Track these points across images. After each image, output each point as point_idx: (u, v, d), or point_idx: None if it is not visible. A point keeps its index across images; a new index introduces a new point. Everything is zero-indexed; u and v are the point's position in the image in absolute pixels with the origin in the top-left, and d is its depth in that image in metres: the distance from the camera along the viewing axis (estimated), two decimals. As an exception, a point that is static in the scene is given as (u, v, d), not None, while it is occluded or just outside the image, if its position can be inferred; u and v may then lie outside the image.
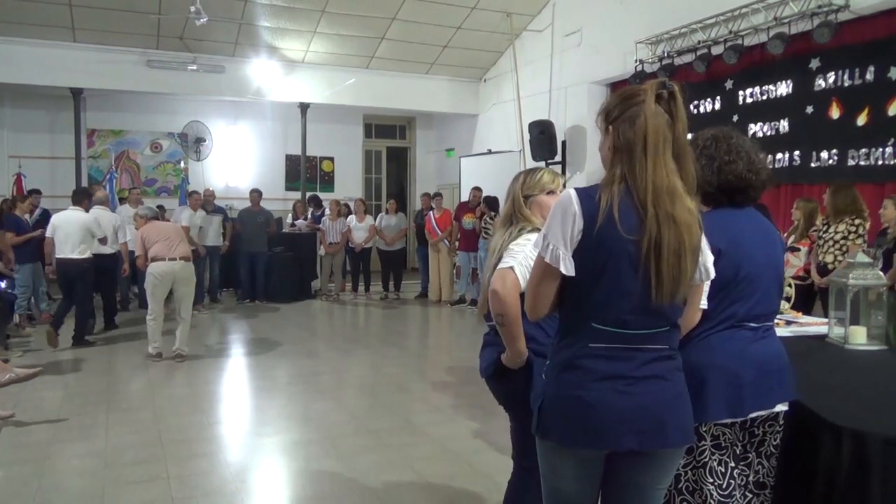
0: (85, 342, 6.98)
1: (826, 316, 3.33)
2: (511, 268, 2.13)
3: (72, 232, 6.79)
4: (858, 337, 2.98)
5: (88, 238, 6.92)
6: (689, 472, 2.03)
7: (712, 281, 1.90)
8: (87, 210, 7.14)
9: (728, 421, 1.98)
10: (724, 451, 2.03)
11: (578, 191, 1.69)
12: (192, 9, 8.82)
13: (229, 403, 5.40)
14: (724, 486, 2.02)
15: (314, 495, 3.59)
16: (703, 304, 1.92)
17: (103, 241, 7.39)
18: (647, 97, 1.67)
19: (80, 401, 5.18)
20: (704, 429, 2.00)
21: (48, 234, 6.90)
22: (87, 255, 6.86)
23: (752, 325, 2.02)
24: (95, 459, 3.97)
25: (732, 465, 2.04)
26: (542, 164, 10.18)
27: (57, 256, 6.84)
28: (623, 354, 1.68)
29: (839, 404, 2.13)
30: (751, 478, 2.09)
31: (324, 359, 6.79)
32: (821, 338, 3.15)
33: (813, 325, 3.48)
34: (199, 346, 7.08)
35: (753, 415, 2.00)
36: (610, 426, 1.67)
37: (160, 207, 10.33)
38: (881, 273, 3.23)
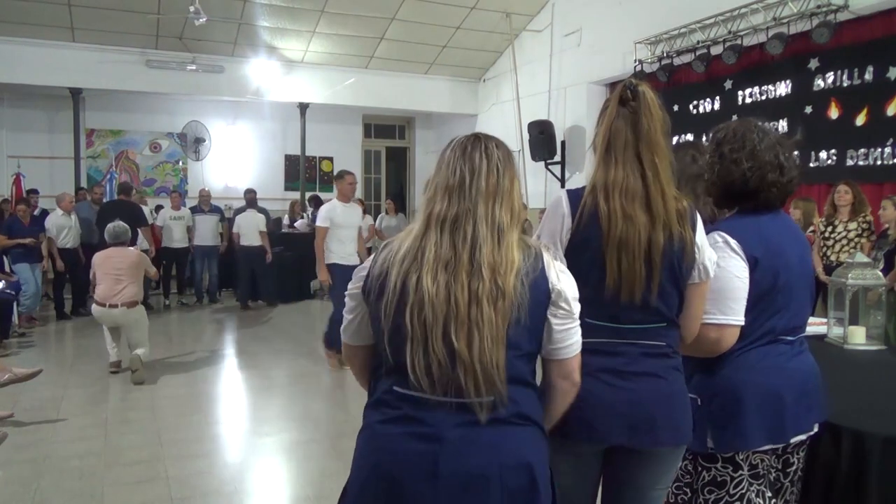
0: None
1: (830, 316, 3.32)
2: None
3: (249, 227, 9.35)
4: (857, 337, 2.99)
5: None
6: None
7: (749, 293, 1.80)
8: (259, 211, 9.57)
9: (768, 447, 1.84)
10: (762, 481, 1.89)
11: (568, 191, 1.75)
12: (192, 9, 8.80)
13: (228, 403, 5.40)
14: None
15: (314, 495, 3.59)
16: (739, 319, 1.79)
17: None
18: (612, 101, 1.74)
19: (80, 401, 5.18)
20: (741, 457, 1.85)
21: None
22: (257, 242, 9.37)
23: (790, 338, 1.88)
24: (95, 459, 3.98)
25: (769, 494, 1.91)
26: (542, 164, 10.20)
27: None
28: (617, 349, 1.69)
29: (839, 404, 2.12)
30: None
31: (323, 359, 6.77)
32: (820, 338, 3.15)
33: (812, 324, 3.48)
34: (199, 346, 7.08)
35: (794, 440, 1.87)
36: (601, 419, 1.67)
37: (158, 208, 10.40)
38: (880, 273, 3.23)
